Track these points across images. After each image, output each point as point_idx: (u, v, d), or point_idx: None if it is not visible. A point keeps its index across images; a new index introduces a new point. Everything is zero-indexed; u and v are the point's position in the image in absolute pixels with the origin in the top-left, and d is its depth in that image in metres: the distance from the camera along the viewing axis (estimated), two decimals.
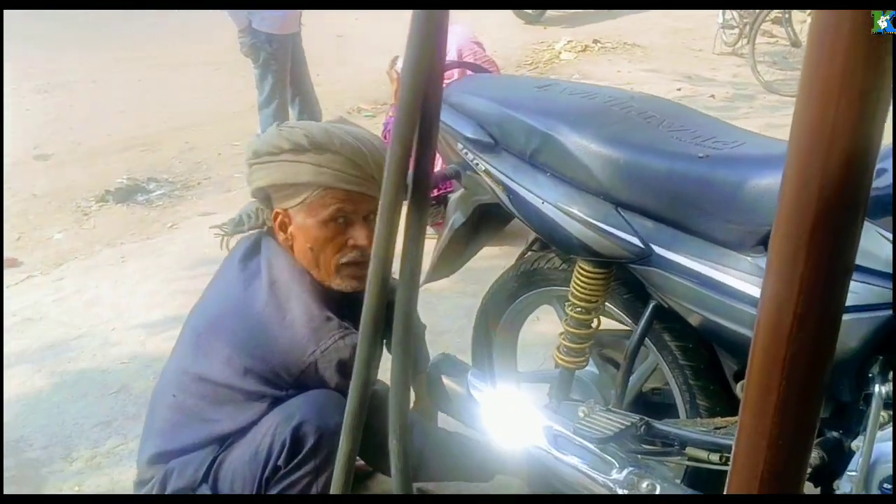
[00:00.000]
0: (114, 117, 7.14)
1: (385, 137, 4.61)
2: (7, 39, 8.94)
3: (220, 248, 2.09)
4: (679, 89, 8.16)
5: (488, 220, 2.30)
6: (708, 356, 2.01)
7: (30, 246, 4.79)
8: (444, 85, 2.32)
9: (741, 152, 1.81)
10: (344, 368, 1.85)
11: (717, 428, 1.92)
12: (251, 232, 2.07)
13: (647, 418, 1.92)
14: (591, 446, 1.94)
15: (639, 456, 1.94)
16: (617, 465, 1.91)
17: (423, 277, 2.32)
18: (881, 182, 1.46)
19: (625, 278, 2.00)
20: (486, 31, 9.58)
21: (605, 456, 1.92)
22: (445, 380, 2.16)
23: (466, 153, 2.07)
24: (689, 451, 1.91)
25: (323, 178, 1.87)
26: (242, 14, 4.74)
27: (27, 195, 5.50)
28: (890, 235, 1.49)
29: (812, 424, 0.73)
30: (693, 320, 1.86)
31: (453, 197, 2.30)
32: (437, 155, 2.12)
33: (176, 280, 4.07)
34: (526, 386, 2.50)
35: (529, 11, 10.94)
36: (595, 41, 9.92)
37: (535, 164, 1.95)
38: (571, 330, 2.04)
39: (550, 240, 1.98)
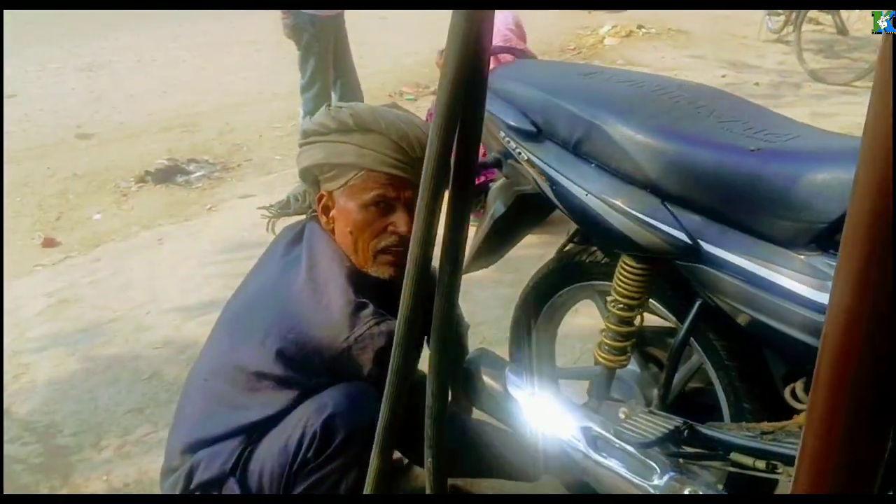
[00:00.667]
0: (156, 97, 7.16)
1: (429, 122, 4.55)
2: (55, 21, 9.03)
3: (266, 231, 2.06)
4: (724, 76, 8.02)
5: (529, 210, 2.22)
6: (754, 357, 1.92)
7: (68, 226, 4.80)
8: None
9: (795, 146, 1.71)
10: (378, 356, 1.80)
11: (763, 433, 1.83)
12: (298, 218, 2.04)
13: (690, 422, 1.85)
14: (631, 449, 1.86)
15: (680, 460, 1.86)
16: (658, 471, 1.83)
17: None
18: None
19: (670, 275, 1.91)
20: (530, 15, 9.49)
21: (647, 460, 1.84)
22: (483, 375, 2.09)
23: (508, 141, 2.00)
24: (734, 456, 1.82)
25: (366, 161, 1.83)
26: None
27: (68, 174, 5.52)
28: None
29: (882, 448, 0.66)
30: (741, 320, 1.77)
31: (494, 186, 2.23)
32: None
33: (211, 264, 4.04)
34: (564, 382, 2.43)
35: None
36: (639, 27, 9.77)
37: (579, 153, 1.87)
38: (613, 327, 1.97)
39: (593, 233, 1.90)
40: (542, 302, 2.31)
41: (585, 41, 9.51)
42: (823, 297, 1.58)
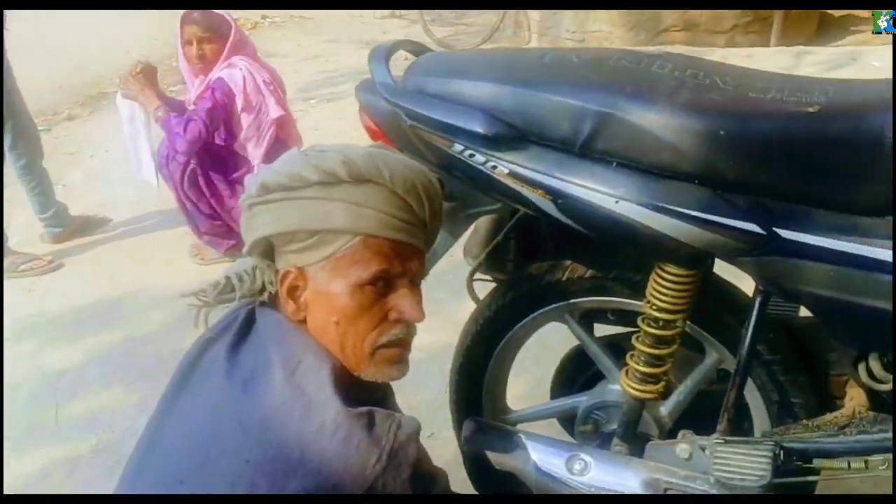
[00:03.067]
0: None
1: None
2: None
3: (195, 326, 1.41)
4: None
5: None
6: (806, 345, 1.68)
7: None
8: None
9: (851, 101, 1.45)
10: (414, 472, 1.26)
11: (841, 428, 1.59)
12: (236, 305, 1.40)
13: (777, 441, 1.55)
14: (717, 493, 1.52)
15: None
16: None
17: None
18: None
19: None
20: (143, 17, 8.64)
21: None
22: (492, 454, 1.63)
23: (472, 154, 1.53)
24: (821, 463, 1.56)
25: (364, 223, 1.27)
26: None
27: None
28: None
29: None
30: (815, 306, 1.49)
31: None
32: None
33: None
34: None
35: None
36: (263, 17, 9.31)
37: (591, 154, 1.46)
38: (648, 350, 1.60)
39: (630, 243, 1.49)
40: (497, 337, 1.88)
41: None
42: None
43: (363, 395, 1.33)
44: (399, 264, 1.30)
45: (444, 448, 2.49)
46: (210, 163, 3.78)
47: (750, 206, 1.40)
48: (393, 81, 1.61)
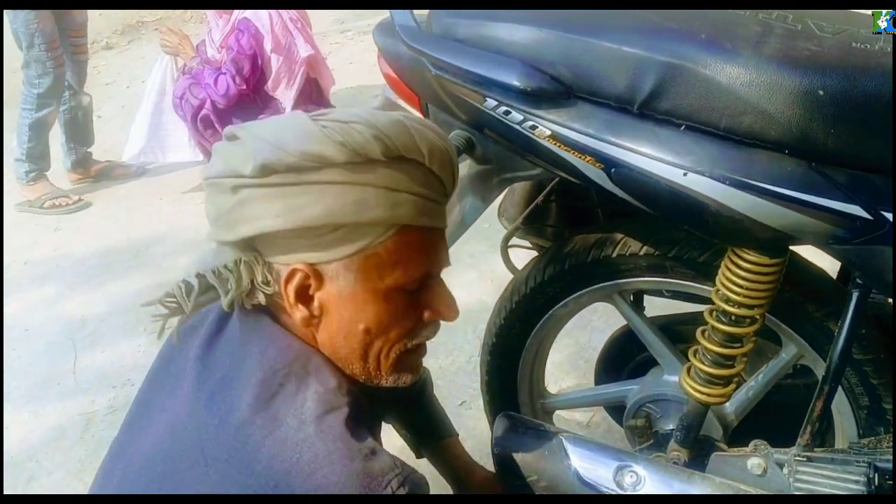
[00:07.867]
0: None
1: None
2: None
3: (158, 337, 1.12)
4: None
5: None
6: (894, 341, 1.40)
7: None
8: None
9: None
10: None
11: None
12: (211, 306, 1.13)
13: (869, 460, 1.28)
14: None
15: None
16: None
17: None
18: None
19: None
20: None
21: None
22: (531, 460, 1.38)
23: (508, 112, 1.25)
24: None
25: (401, 212, 0.99)
26: None
27: None
28: None
29: None
30: None
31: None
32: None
33: None
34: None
35: None
36: None
37: (653, 115, 1.17)
38: (717, 349, 1.31)
39: (700, 224, 1.20)
40: (535, 316, 1.62)
41: None
42: None
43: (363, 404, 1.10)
44: (437, 256, 1.07)
45: (476, 419, 2.26)
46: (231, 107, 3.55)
47: (853, 184, 1.11)
48: (416, 23, 1.34)
